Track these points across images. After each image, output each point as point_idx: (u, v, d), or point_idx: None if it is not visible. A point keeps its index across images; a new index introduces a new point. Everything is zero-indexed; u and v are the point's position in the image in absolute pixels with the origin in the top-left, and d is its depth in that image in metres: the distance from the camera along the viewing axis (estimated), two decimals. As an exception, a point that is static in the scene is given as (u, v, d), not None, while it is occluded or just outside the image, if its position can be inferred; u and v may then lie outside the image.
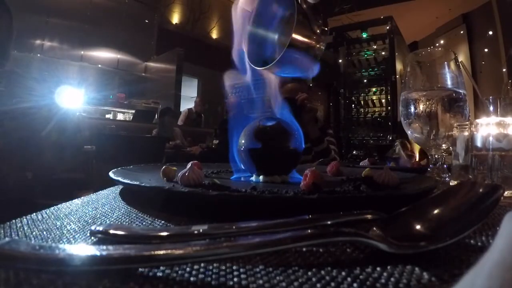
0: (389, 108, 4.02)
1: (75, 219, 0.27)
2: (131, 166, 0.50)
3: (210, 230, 0.21)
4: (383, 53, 4.08)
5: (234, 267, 0.17)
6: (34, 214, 0.28)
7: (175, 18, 5.90)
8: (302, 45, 0.45)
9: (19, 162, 1.05)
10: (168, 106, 3.85)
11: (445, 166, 0.55)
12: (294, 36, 0.43)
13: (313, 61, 0.48)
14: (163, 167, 0.42)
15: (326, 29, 0.48)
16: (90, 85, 4.57)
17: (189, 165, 0.37)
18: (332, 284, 0.15)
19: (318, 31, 0.46)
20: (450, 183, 0.50)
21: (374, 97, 4.19)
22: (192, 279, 0.15)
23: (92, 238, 0.22)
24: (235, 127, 0.48)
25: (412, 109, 0.54)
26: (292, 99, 1.21)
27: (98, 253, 0.15)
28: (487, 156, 0.41)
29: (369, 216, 0.24)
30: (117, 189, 0.42)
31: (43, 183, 1.18)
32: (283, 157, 0.46)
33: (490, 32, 5.30)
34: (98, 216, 0.28)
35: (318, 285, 0.15)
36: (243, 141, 0.46)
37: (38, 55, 4.27)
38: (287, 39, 0.44)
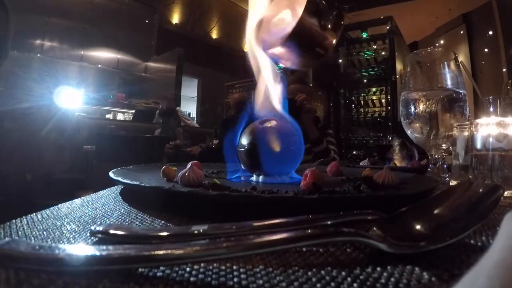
0: (389, 108, 4.02)
1: (75, 219, 0.27)
2: (131, 166, 0.50)
3: (210, 230, 0.21)
4: (383, 53, 4.08)
5: (234, 267, 0.17)
6: (34, 214, 0.28)
7: (175, 18, 5.90)
8: (309, 35, 0.44)
9: (19, 162, 1.05)
10: (172, 107, 3.84)
11: (445, 166, 0.55)
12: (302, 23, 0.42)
13: (319, 54, 0.47)
14: (163, 167, 0.42)
15: (341, 22, 0.46)
16: (90, 85, 4.56)
17: (189, 165, 0.37)
18: (332, 284, 0.15)
19: (328, 24, 0.45)
20: (450, 183, 0.50)
21: (374, 97, 4.19)
22: (192, 279, 0.15)
23: (92, 238, 0.22)
24: (239, 126, 0.48)
25: (412, 109, 0.54)
26: (291, 100, 1.21)
27: (98, 253, 0.15)
28: (487, 156, 0.41)
29: (369, 216, 0.24)
30: (117, 189, 0.42)
31: (43, 183, 1.18)
32: (283, 157, 0.46)
33: (490, 32, 5.30)
34: (98, 216, 0.28)
35: (318, 285, 0.15)
36: (243, 142, 0.46)
37: (38, 55, 4.27)
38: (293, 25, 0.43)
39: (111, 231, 0.21)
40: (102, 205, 0.33)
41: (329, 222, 0.23)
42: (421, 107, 0.53)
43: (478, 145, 0.43)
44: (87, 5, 4.73)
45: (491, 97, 0.47)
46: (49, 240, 0.22)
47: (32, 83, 1.13)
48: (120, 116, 4.92)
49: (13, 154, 1.02)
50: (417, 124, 0.54)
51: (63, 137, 1.16)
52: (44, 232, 0.23)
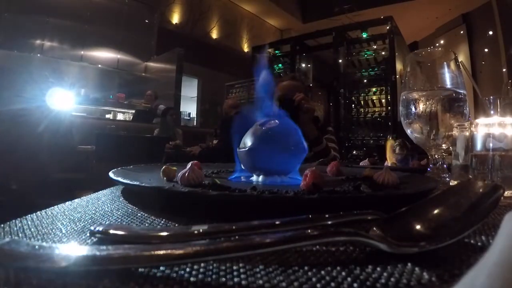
0: (389, 108, 4.01)
1: (75, 219, 0.27)
2: (131, 166, 0.50)
3: (210, 230, 0.21)
4: (383, 53, 4.07)
5: (234, 267, 0.17)
6: (34, 214, 0.28)
7: (175, 18, 5.90)
8: None
9: (13, 163, 1.05)
10: (170, 106, 3.85)
11: (445, 166, 0.55)
12: None
13: None
14: (163, 167, 0.42)
15: None
16: (90, 85, 4.57)
17: (189, 165, 0.37)
18: (332, 284, 0.15)
19: None
20: (450, 183, 0.50)
21: (374, 97, 4.18)
22: (192, 279, 0.15)
23: (92, 238, 0.22)
24: (238, 127, 0.48)
25: (412, 109, 0.54)
26: (290, 99, 1.20)
27: (98, 253, 0.15)
28: (487, 156, 0.41)
29: (369, 216, 0.24)
30: (117, 189, 0.42)
31: (43, 184, 1.18)
32: (283, 158, 0.46)
33: (490, 32, 5.30)
34: (98, 216, 0.28)
35: (318, 285, 0.15)
36: (243, 142, 0.46)
37: (38, 55, 4.27)
38: None
39: (111, 231, 0.21)
40: (102, 205, 0.33)
41: (329, 222, 0.23)
42: (421, 107, 0.53)
43: (478, 145, 0.43)
44: (87, 5, 4.73)
45: (491, 97, 0.47)
46: (49, 240, 0.22)
47: (23, 84, 1.12)
48: (120, 116, 4.93)
49: (8, 155, 1.02)
50: (417, 124, 0.53)
51: (57, 138, 1.16)
52: (44, 232, 0.23)
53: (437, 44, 6.18)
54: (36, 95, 1.12)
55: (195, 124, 6.15)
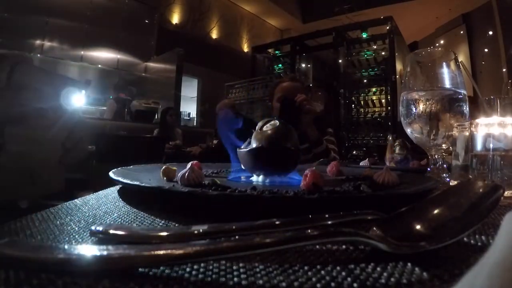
0: (389, 108, 4.01)
1: (75, 219, 0.27)
2: (131, 166, 0.50)
3: (210, 230, 0.21)
4: (383, 53, 4.07)
5: (234, 267, 0.17)
6: (34, 214, 0.28)
7: (175, 18, 5.90)
8: None
9: (24, 163, 1.05)
10: (170, 106, 3.86)
11: (445, 166, 0.55)
12: None
13: None
14: (163, 167, 0.42)
15: None
16: (90, 85, 4.57)
17: (189, 165, 0.37)
18: (332, 284, 0.15)
19: None
20: (450, 183, 0.50)
21: (374, 97, 4.18)
22: (192, 279, 0.15)
23: (92, 238, 0.22)
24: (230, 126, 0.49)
25: (412, 109, 0.54)
26: (291, 100, 1.20)
27: (98, 253, 0.15)
28: (487, 156, 0.41)
29: (369, 216, 0.24)
30: (117, 189, 0.42)
31: (43, 184, 1.18)
32: (283, 158, 0.46)
33: (490, 32, 5.30)
34: (98, 216, 0.28)
35: (318, 285, 0.15)
36: (245, 143, 0.46)
37: (38, 55, 4.27)
38: None
39: (111, 231, 0.21)
40: (102, 205, 0.33)
41: (329, 222, 0.23)
42: (421, 107, 0.53)
43: (478, 145, 0.43)
44: (87, 5, 4.73)
45: (491, 97, 0.47)
46: (49, 240, 0.22)
47: (39, 84, 1.12)
48: (120, 116, 4.92)
49: (19, 155, 1.02)
50: (417, 124, 0.53)
51: (69, 139, 1.16)
52: (44, 232, 0.23)
53: (437, 44, 6.19)
54: (50, 94, 1.12)
55: (195, 124, 6.15)
